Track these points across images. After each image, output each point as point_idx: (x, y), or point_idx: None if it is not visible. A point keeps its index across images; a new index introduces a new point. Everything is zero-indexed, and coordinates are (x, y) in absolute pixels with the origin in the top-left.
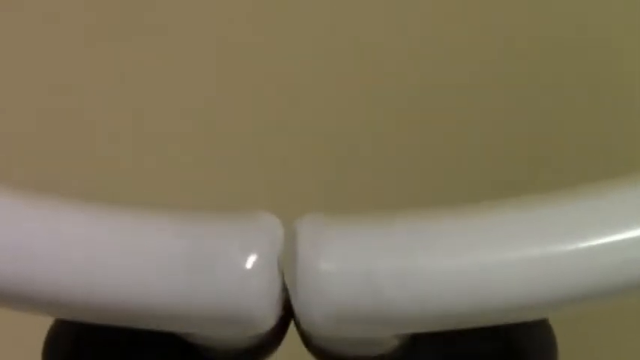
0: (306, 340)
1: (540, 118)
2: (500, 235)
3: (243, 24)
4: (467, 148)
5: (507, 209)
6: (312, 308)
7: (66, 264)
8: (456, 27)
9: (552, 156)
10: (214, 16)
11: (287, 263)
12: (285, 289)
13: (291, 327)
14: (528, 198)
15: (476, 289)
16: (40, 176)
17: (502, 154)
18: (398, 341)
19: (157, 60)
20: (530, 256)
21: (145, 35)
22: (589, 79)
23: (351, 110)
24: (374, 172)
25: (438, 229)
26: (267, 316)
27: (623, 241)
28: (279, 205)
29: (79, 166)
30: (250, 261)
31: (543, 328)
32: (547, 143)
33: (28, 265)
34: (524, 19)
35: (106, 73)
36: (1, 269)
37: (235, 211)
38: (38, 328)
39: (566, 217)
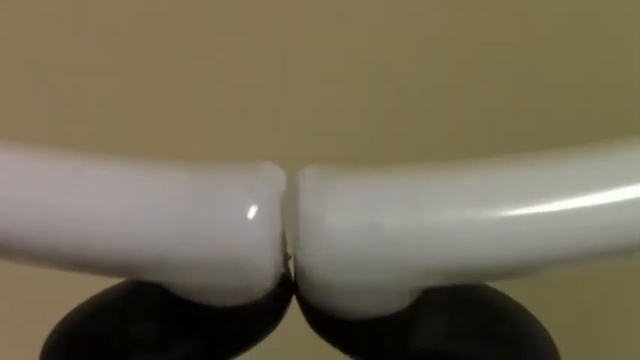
0: (307, 309)
1: (546, 119)
2: (506, 189)
3: None
4: (468, 148)
5: (514, 164)
6: (314, 256)
7: (65, 207)
8: (462, 26)
9: None
10: None
11: (290, 214)
12: (285, 247)
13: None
14: (538, 154)
15: (481, 243)
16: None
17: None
18: (398, 302)
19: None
20: (535, 212)
21: None
22: (597, 80)
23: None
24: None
25: (444, 181)
26: (266, 268)
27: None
28: (284, 158)
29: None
30: (252, 210)
31: (546, 341)
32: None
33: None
34: (531, 18)
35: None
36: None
37: (238, 161)
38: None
39: (571, 174)
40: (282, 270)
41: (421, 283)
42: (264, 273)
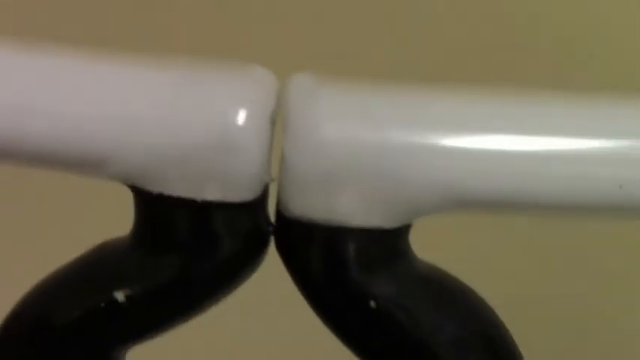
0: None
1: None
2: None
3: None
4: None
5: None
6: (302, 152)
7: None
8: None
9: None
10: None
11: (281, 119)
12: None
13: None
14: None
15: (479, 171)
16: None
17: None
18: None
19: None
20: (538, 149)
21: None
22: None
23: None
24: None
25: (443, 104)
26: (252, 165)
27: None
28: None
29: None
30: (241, 114)
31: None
32: None
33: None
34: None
35: None
36: None
37: (229, 62)
38: None
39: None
40: (268, 177)
41: (405, 200)
42: (250, 168)
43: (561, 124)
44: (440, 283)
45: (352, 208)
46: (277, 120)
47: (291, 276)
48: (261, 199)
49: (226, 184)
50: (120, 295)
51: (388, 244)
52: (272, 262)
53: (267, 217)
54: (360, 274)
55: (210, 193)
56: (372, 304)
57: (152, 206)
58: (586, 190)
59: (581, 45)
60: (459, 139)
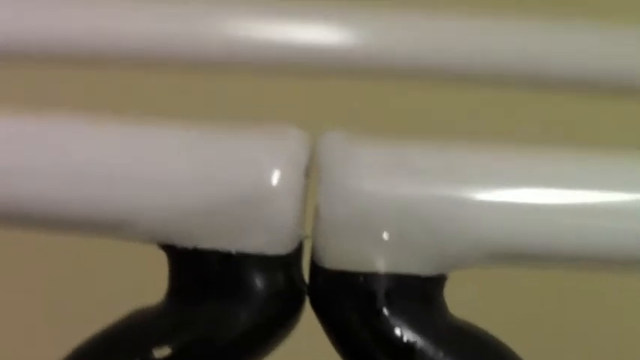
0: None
1: None
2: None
3: None
4: None
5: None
6: (337, 203)
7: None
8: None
9: None
10: None
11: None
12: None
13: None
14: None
15: (517, 225)
16: None
17: None
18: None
19: None
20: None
21: None
22: None
23: None
24: None
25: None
26: (287, 220)
27: None
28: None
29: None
30: (275, 172)
31: None
32: None
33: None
34: None
35: None
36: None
37: (261, 124)
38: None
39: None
40: (301, 232)
41: (441, 250)
42: (284, 218)
43: (597, 177)
44: (476, 339)
45: (388, 257)
46: (311, 175)
47: (326, 330)
48: (296, 255)
49: (261, 237)
50: (157, 354)
51: (424, 292)
52: (306, 327)
53: (301, 275)
54: (396, 322)
55: (245, 245)
56: (408, 355)
57: (187, 261)
58: (619, 242)
59: None
60: (496, 193)
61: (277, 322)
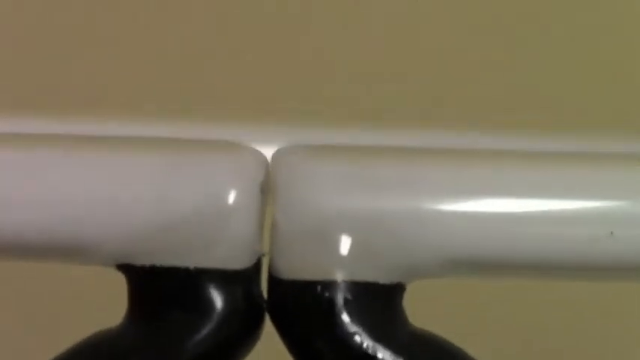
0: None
1: None
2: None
3: None
4: None
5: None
6: (293, 214)
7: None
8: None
9: None
10: None
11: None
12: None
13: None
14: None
15: (475, 235)
16: None
17: None
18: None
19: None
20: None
21: None
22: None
23: None
24: None
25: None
26: (244, 234)
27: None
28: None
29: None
30: (230, 189)
31: None
32: None
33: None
34: None
35: None
36: None
37: (218, 143)
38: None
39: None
40: (260, 247)
41: (399, 259)
42: (241, 232)
43: (558, 186)
44: (437, 347)
45: (345, 266)
46: (268, 190)
47: (286, 342)
48: (255, 271)
49: (219, 253)
50: None
51: (383, 300)
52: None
53: (260, 291)
54: (356, 329)
55: (203, 261)
56: None
57: (146, 280)
58: (577, 249)
59: None
60: (455, 203)
61: (238, 338)
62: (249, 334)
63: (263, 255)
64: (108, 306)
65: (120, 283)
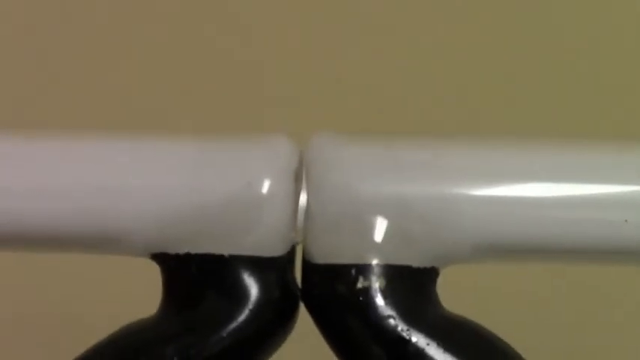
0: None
1: None
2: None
3: None
4: None
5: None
6: (327, 199)
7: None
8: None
9: None
10: None
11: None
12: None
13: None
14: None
15: (507, 219)
16: None
17: None
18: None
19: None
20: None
21: None
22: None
23: None
24: None
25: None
26: (278, 221)
27: None
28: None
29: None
30: (265, 178)
31: None
32: None
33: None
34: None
35: None
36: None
37: (250, 135)
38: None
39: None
40: (294, 234)
41: (433, 243)
42: (276, 220)
43: (588, 170)
44: (470, 331)
45: (379, 250)
46: (301, 178)
47: (320, 326)
48: (289, 258)
49: (252, 240)
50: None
51: (416, 284)
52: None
53: (294, 279)
54: (390, 312)
55: (238, 248)
56: (403, 345)
57: (180, 268)
58: (601, 231)
59: None
60: (486, 187)
61: (273, 325)
62: (283, 321)
63: (297, 243)
64: (138, 299)
65: (151, 277)
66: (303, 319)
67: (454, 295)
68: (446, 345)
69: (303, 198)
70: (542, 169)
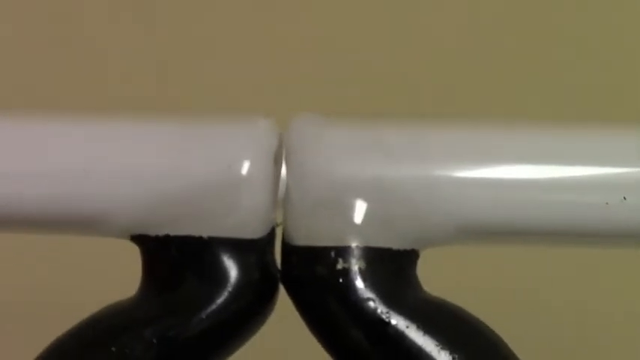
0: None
1: None
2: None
3: None
4: None
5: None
6: (306, 182)
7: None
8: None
9: None
10: None
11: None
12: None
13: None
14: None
15: (486, 200)
16: None
17: None
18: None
19: None
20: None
21: None
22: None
23: None
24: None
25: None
26: (258, 203)
27: None
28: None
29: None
30: (244, 158)
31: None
32: None
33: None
34: None
35: None
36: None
37: (230, 114)
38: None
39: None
40: (273, 216)
41: (413, 224)
42: (255, 201)
43: (567, 152)
44: (450, 313)
45: (359, 232)
46: (281, 160)
47: (300, 309)
48: (268, 240)
49: (232, 222)
50: (134, 342)
51: (396, 266)
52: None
53: (274, 261)
54: (370, 295)
55: (217, 230)
56: (383, 328)
57: (160, 249)
58: (580, 212)
59: None
60: (467, 169)
61: (253, 307)
62: (263, 303)
63: (277, 225)
64: (118, 279)
65: (130, 257)
66: (283, 300)
67: (434, 276)
68: (426, 327)
69: (282, 180)
70: (526, 150)
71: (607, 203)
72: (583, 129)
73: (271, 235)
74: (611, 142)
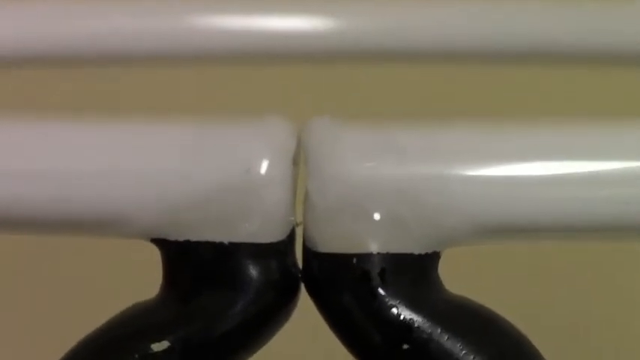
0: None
1: None
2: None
3: None
4: None
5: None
6: (326, 187)
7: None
8: None
9: None
10: None
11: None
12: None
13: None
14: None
15: (504, 199)
16: None
17: None
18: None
19: None
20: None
21: None
22: None
23: None
24: None
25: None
26: (277, 207)
27: None
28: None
29: None
30: (263, 161)
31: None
32: None
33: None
34: None
35: None
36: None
37: (247, 116)
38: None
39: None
40: (293, 218)
41: (433, 228)
42: (274, 205)
43: (582, 148)
44: (474, 313)
45: (379, 237)
46: (299, 162)
47: (323, 314)
48: (289, 242)
49: (252, 226)
50: (156, 347)
51: (418, 270)
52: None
53: (295, 262)
54: (392, 301)
55: (237, 235)
56: (408, 333)
57: (180, 254)
58: (609, 209)
59: None
60: (483, 169)
61: (274, 310)
62: (284, 305)
63: (297, 225)
64: (141, 277)
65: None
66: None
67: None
68: (450, 331)
69: (301, 182)
70: (541, 147)
71: (623, 199)
72: (599, 124)
73: (291, 236)
74: (629, 136)
